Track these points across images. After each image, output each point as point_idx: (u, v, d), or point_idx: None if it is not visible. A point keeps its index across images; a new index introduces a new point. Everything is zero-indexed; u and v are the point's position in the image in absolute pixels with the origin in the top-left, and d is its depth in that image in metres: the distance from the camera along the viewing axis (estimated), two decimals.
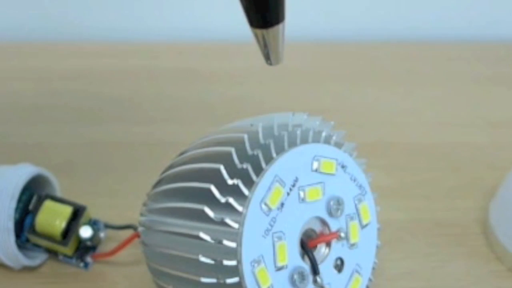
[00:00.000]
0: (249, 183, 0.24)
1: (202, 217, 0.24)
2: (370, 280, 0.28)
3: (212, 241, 0.24)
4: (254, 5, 0.22)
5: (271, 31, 0.22)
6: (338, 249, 0.26)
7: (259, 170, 0.24)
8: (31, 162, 0.33)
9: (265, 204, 0.24)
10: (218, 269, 0.24)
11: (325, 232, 0.26)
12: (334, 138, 0.26)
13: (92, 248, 0.33)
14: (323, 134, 0.26)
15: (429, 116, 0.46)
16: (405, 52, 0.55)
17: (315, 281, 0.25)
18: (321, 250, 0.26)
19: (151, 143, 0.42)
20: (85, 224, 0.32)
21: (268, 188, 0.24)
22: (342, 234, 0.26)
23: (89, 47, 0.54)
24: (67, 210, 0.32)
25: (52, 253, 0.32)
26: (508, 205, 0.34)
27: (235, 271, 0.23)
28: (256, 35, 0.23)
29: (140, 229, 0.27)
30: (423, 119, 0.46)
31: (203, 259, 0.24)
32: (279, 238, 0.24)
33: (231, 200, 0.24)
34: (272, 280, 0.24)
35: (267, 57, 0.24)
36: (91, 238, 0.32)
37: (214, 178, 0.24)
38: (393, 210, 0.36)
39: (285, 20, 0.22)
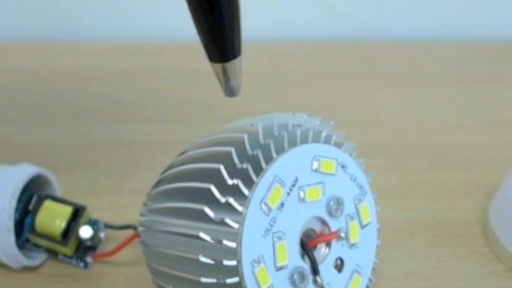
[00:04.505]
0: (249, 183, 0.24)
1: (202, 217, 0.24)
2: (370, 280, 0.28)
3: (212, 241, 0.24)
4: (213, 42, 0.23)
5: (229, 65, 0.24)
6: (338, 249, 0.26)
7: (259, 170, 0.24)
8: (31, 162, 0.33)
9: (265, 204, 0.24)
10: (218, 269, 0.24)
11: (325, 232, 0.26)
12: (334, 138, 0.27)
13: (92, 248, 0.33)
14: (323, 134, 0.26)
15: (429, 116, 0.46)
16: (404, 52, 0.55)
17: (315, 281, 0.25)
18: (321, 250, 0.26)
19: (151, 143, 0.42)
20: (85, 224, 0.32)
21: (268, 188, 0.24)
22: (342, 234, 0.26)
23: (89, 47, 0.54)
24: (67, 210, 0.32)
25: (52, 253, 0.32)
26: (508, 205, 0.34)
27: (235, 271, 0.23)
28: (214, 69, 0.24)
29: (140, 229, 0.27)
30: (423, 119, 0.46)
31: (203, 259, 0.24)
32: (279, 238, 0.24)
33: (231, 200, 0.24)
34: (272, 280, 0.24)
35: (225, 89, 0.25)
36: (91, 238, 0.32)
37: (214, 178, 0.24)
38: (393, 210, 0.36)
39: (242, 54, 0.24)
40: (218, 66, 0.24)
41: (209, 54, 0.24)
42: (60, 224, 0.31)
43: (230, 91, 0.25)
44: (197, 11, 0.22)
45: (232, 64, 0.24)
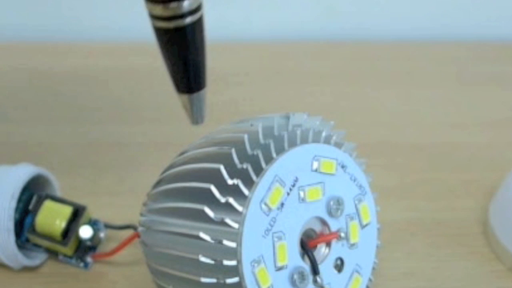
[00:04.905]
0: (249, 183, 0.24)
1: (202, 217, 0.24)
2: (370, 280, 0.28)
3: (212, 241, 0.24)
4: (180, 75, 0.25)
5: (195, 95, 0.25)
6: (338, 249, 0.26)
7: (259, 170, 0.24)
8: (31, 162, 0.33)
9: (265, 204, 0.24)
10: (218, 269, 0.24)
11: (325, 232, 0.26)
12: (334, 138, 0.27)
13: (92, 248, 0.33)
14: (323, 134, 0.26)
15: (429, 116, 0.46)
16: (405, 52, 0.55)
17: (315, 281, 0.25)
18: (321, 250, 0.26)
19: (150, 143, 0.42)
20: (85, 224, 0.32)
21: (268, 188, 0.24)
22: (342, 234, 0.26)
23: (89, 47, 0.54)
24: (67, 210, 0.32)
25: (52, 253, 0.32)
26: (508, 205, 0.34)
27: (235, 271, 0.23)
28: (181, 100, 0.26)
29: (140, 229, 0.27)
30: (423, 119, 0.46)
31: (203, 259, 0.24)
32: (279, 238, 0.24)
33: (231, 200, 0.24)
34: (272, 280, 0.24)
35: (191, 117, 0.26)
36: (91, 238, 0.32)
37: (214, 178, 0.24)
38: (393, 210, 0.36)
39: (206, 86, 0.26)
40: (185, 97, 0.25)
41: (176, 86, 0.25)
42: (60, 224, 0.31)
43: (195, 120, 0.26)
44: (165, 46, 0.24)
45: (198, 95, 0.25)
